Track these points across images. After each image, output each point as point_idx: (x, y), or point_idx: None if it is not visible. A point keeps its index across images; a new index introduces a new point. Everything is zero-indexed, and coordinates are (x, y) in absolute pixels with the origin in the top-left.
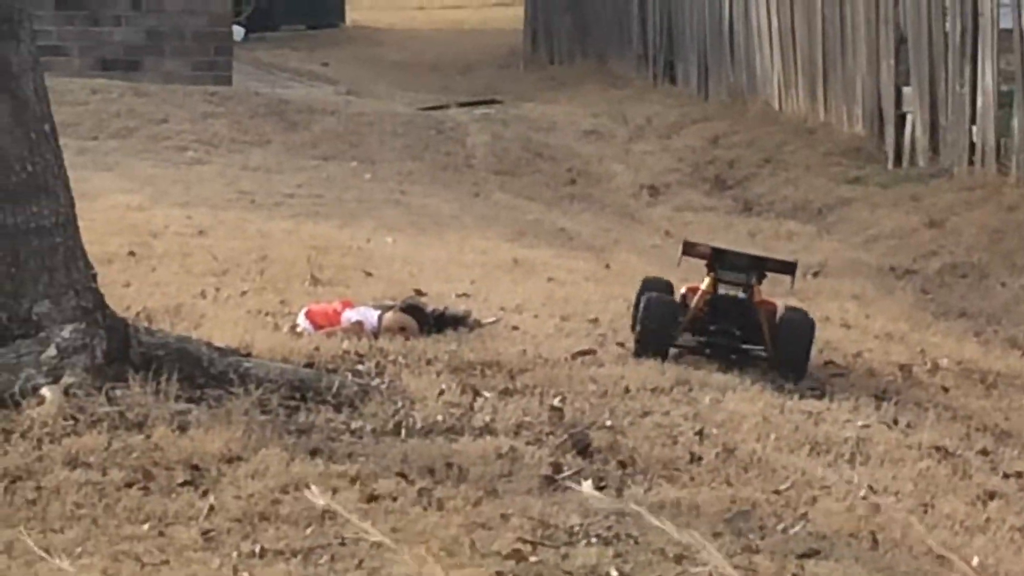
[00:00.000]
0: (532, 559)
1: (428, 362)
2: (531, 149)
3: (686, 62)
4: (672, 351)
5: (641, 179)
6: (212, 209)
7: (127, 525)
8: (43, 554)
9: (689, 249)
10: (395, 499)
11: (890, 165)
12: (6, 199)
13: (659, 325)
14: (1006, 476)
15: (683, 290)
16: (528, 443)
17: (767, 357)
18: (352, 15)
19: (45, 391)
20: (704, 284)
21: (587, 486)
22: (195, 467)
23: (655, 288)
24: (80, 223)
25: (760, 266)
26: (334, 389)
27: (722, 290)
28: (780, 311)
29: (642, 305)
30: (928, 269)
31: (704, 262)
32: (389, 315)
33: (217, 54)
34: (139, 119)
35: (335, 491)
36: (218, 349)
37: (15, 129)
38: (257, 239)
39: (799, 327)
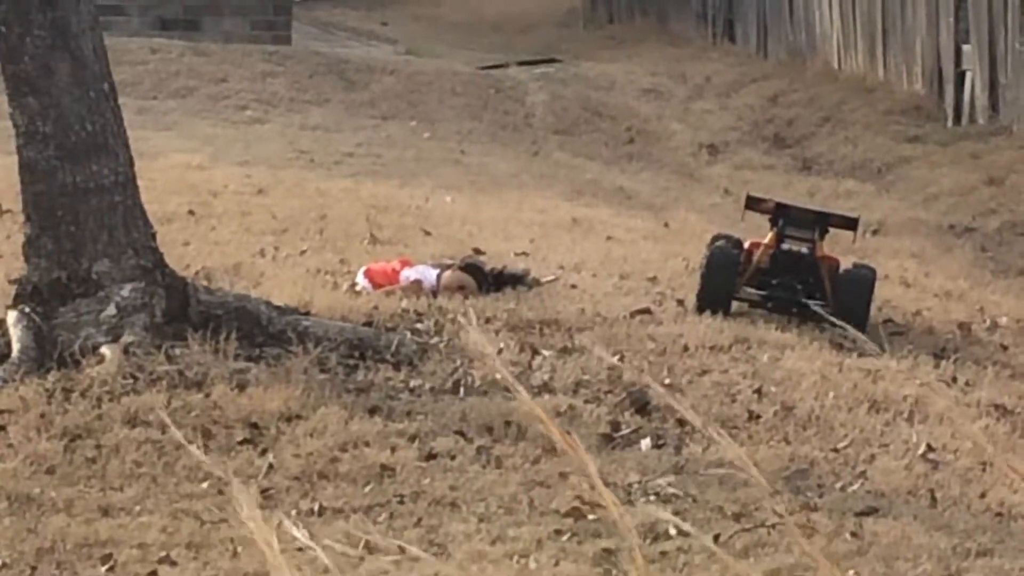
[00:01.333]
0: (590, 517)
1: (487, 320)
2: (590, 108)
3: (745, 21)
4: (734, 305)
5: (700, 138)
6: (271, 168)
7: (186, 483)
8: (103, 512)
9: (753, 204)
10: (453, 457)
11: (949, 123)
12: (66, 158)
13: (720, 278)
14: None
15: (746, 244)
16: (587, 401)
17: (826, 311)
18: None
19: (105, 350)
20: (767, 238)
21: (645, 444)
22: (254, 425)
23: (723, 244)
24: (140, 182)
25: (823, 221)
26: (393, 347)
27: (785, 245)
28: (844, 266)
29: (704, 259)
30: (987, 227)
31: (767, 217)
32: (448, 273)
33: (276, 13)
34: (198, 78)
35: (393, 449)
36: (277, 308)
37: (74, 88)
38: (316, 198)
39: (860, 282)
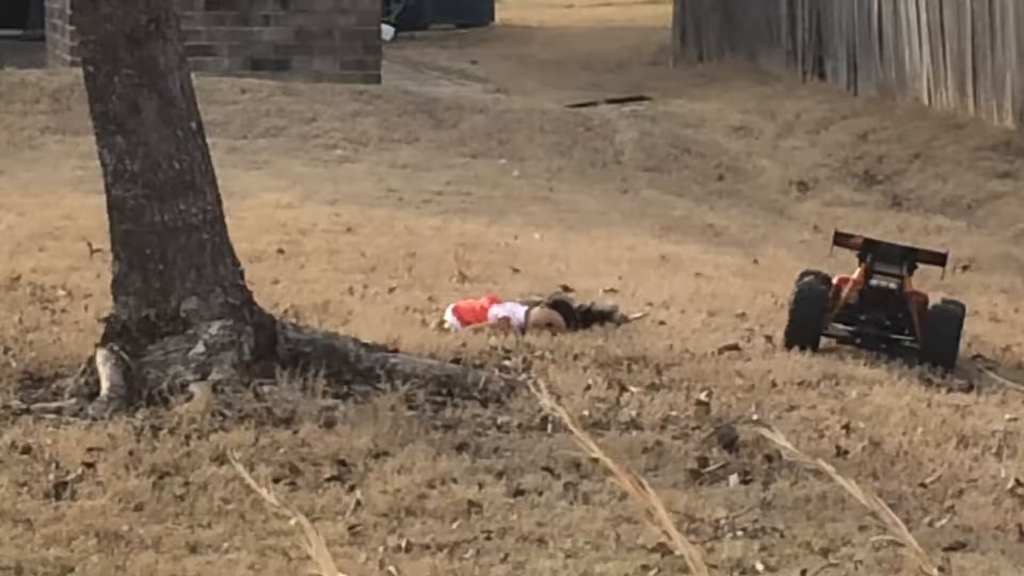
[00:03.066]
0: (677, 552)
1: (575, 357)
2: (679, 145)
3: (835, 58)
4: (823, 341)
5: (790, 175)
6: (360, 207)
7: (274, 520)
8: (190, 549)
9: (841, 240)
10: (540, 493)
11: None
12: (154, 196)
13: (809, 314)
14: None
15: (835, 280)
16: (674, 437)
17: (915, 347)
18: (501, 13)
19: (193, 387)
20: (855, 274)
21: (733, 480)
22: (342, 462)
23: (812, 281)
24: (229, 221)
25: (911, 257)
26: (480, 384)
27: (874, 280)
28: (932, 302)
29: (792, 295)
30: None
31: (856, 253)
32: (536, 311)
33: (366, 53)
34: (288, 118)
35: (481, 485)
36: (365, 345)
37: (162, 127)
38: (405, 236)
39: (949, 317)
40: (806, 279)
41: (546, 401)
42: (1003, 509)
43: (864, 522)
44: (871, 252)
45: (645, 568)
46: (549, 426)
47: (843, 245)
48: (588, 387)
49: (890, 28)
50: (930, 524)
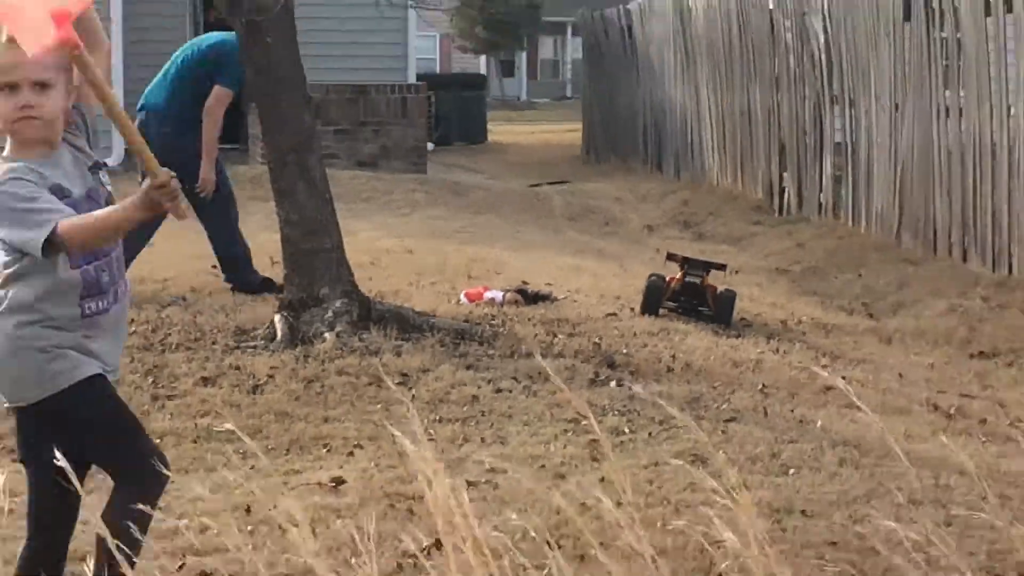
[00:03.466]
0: (583, 423)
1: (529, 319)
2: (585, 207)
3: (668, 160)
4: (661, 312)
5: (643, 222)
6: (415, 239)
7: (369, 405)
8: (324, 420)
9: (671, 257)
10: (511, 391)
11: (776, 215)
12: (306, 234)
13: (653, 296)
14: (843, 377)
15: (668, 278)
16: (582, 361)
17: (709, 315)
18: (491, 136)
19: (326, 335)
20: (678, 275)
21: (613, 384)
22: (404, 374)
23: (655, 278)
24: (346, 247)
25: (707, 266)
26: (480, 333)
27: (688, 279)
28: (719, 289)
29: (645, 286)
30: (795, 270)
31: (678, 264)
32: (509, 294)
33: (419, 158)
34: (377, 192)
35: (479, 387)
36: (418, 313)
37: (309, 197)
38: (441, 255)
39: (727, 298)
40: (652, 278)
41: (531, 345)
42: (756, 400)
43: (681, 407)
44: (686, 263)
45: (566, 431)
46: (515, 355)
47: (672, 260)
48: (536, 335)
49: (697, 142)
50: (717, 408)
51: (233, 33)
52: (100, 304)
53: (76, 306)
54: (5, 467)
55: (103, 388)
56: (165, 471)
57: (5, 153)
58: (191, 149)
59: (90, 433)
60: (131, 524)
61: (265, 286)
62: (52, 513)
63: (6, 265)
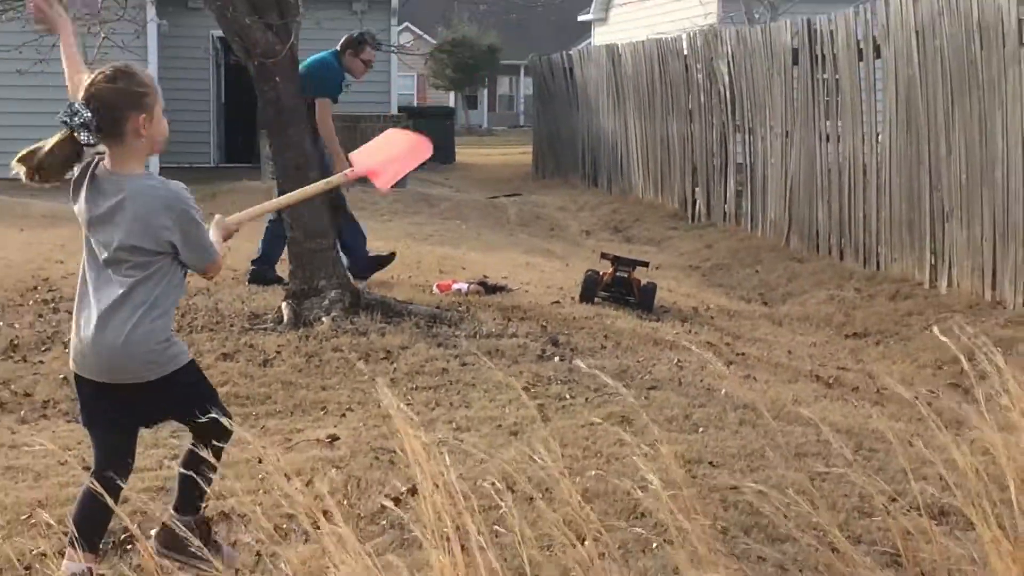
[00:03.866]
0: (533, 390)
1: (488, 306)
2: (534, 215)
3: (601, 176)
4: (596, 300)
5: (582, 227)
6: (396, 241)
7: (359, 376)
8: (322, 388)
9: (604, 256)
10: (474, 365)
11: (690, 221)
12: (309, 237)
13: (590, 288)
14: (738, 353)
15: (602, 273)
16: (532, 340)
17: (635, 303)
18: (458, 158)
19: (323, 319)
20: (610, 271)
21: (556, 359)
22: (387, 351)
23: (591, 273)
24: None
25: (634, 263)
26: (449, 317)
27: (618, 273)
28: (643, 282)
29: (583, 279)
30: (705, 266)
31: (610, 261)
32: (472, 285)
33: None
34: (365, 203)
35: (448, 361)
36: (399, 301)
37: (311, 209)
38: (416, 255)
39: (650, 289)
40: (589, 272)
41: (490, 327)
42: (672, 372)
43: (615, 375)
44: (617, 261)
45: (519, 397)
46: (477, 335)
47: (605, 258)
48: (494, 319)
49: (625, 163)
50: (640, 378)
51: (329, 51)
52: None
53: (176, 301)
54: (60, 427)
55: (196, 364)
56: (231, 427)
57: (139, 170)
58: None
59: (188, 399)
60: (207, 469)
61: (276, 280)
62: (115, 466)
63: (144, 266)
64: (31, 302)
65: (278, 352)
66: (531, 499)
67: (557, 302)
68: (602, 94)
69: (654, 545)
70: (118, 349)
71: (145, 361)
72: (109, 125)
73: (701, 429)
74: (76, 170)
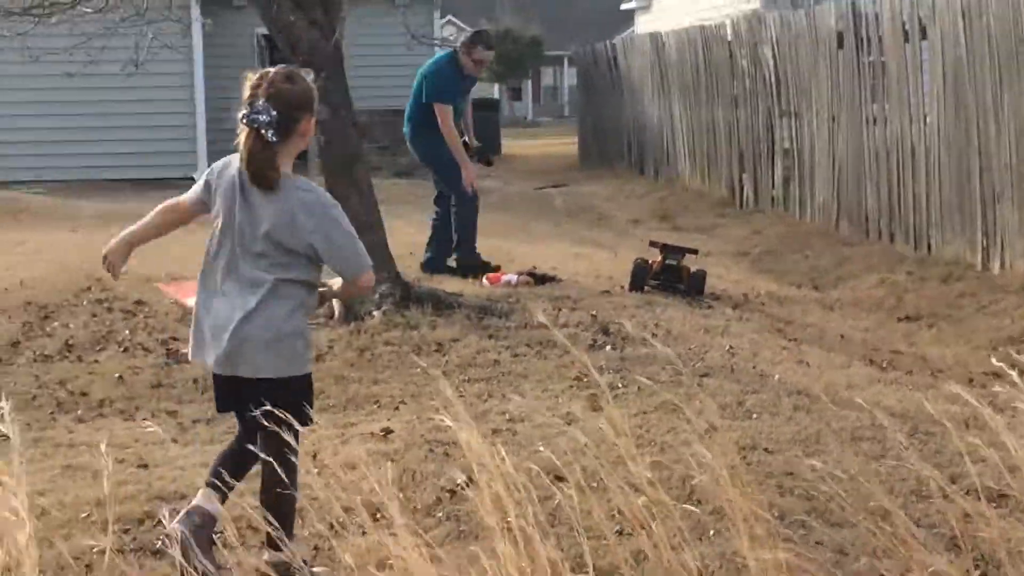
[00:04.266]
0: (585, 380)
1: (538, 296)
2: (581, 205)
3: (649, 164)
4: (646, 289)
5: (630, 216)
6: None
7: (411, 369)
8: (374, 383)
9: (653, 244)
10: (525, 355)
11: (738, 208)
12: (358, 231)
13: (639, 276)
14: (790, 339)
15: (651, 261)
16: (583, 330)
17: (685, 291)
18: (504, 148)
19: (375, 313)
20: (659, 259)
21: (608, 348)
22: (439, 343)
23: (640, 261)
24: (389, 241)
25: (683, 251)
26: (499, 309)
27: (668, 261)
28: (692, 269)
29: (632, 267)
30: (753, 253)
31: (659, 249)
32: (521, 276)
33: None
34: (413, 197)
35: (499, 352)
36: (449, 294)
37: (359, 203)
38: None
39: (699, 276)
40: (638, 261)
41: (541, 318)
42: (725, 359)
43: (664, 366)
44: (665, 249)
45: (571, 387)
46: (527, 326)
47: (654, 246)
48: (545, 310)
49: (671, 149)
50: (694, 365)
51: (443, 53)
52: None
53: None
54: (116, 425)
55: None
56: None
57: (288, 168)
58: (422, 146)
59: (295, 398)
60: (293, 457)
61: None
62: (250, 441)
63: (294, 267)
64: (85, 302)
65: (330, 347)
66: (583, 489)
67: (607, 291)
68: (646, 82)
69: (711, 532)
70: (260, 342)
71: (288, 357)
72: (285, 124)
73: (755, 415)
74: (219, 162)
